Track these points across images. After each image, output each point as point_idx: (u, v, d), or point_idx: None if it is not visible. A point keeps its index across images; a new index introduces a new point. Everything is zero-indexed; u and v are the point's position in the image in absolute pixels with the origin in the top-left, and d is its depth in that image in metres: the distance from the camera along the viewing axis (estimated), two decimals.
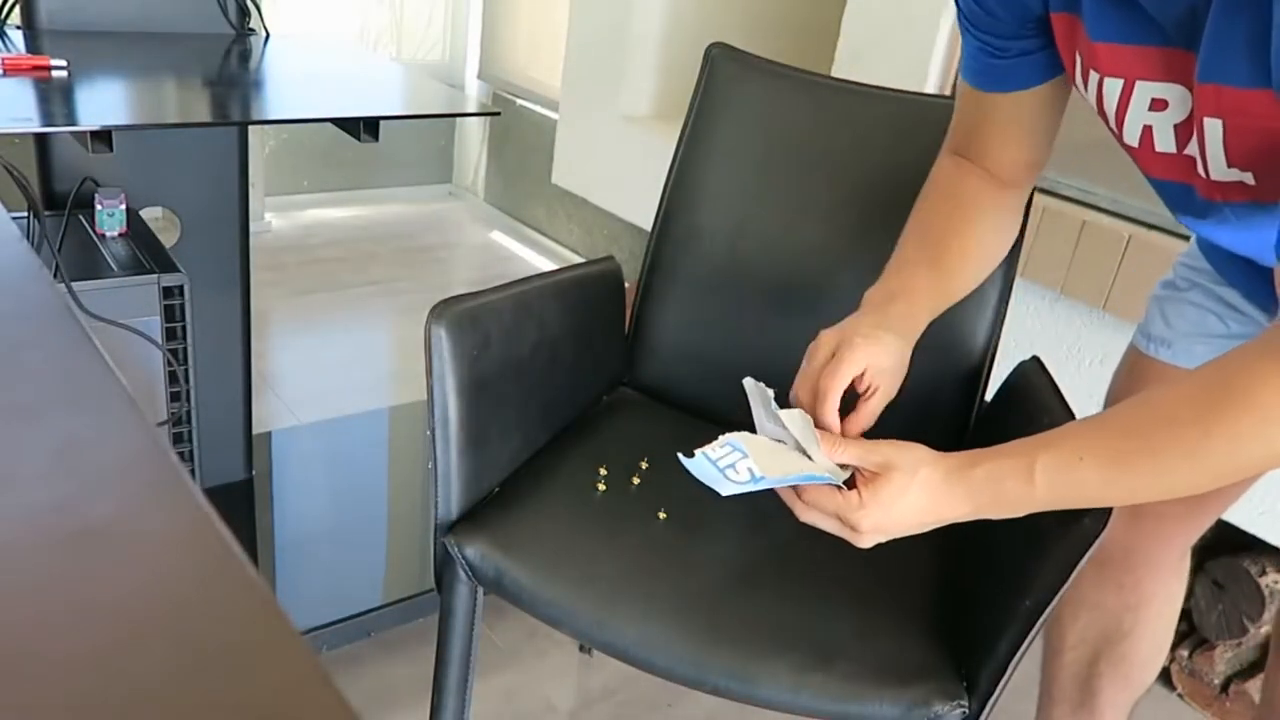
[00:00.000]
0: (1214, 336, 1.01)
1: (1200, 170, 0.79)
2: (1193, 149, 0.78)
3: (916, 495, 0.79)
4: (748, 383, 0.87)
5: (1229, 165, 0.75)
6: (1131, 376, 1.10)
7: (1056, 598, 0.82)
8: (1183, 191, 0.84)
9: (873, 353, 0.88)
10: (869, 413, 0.89)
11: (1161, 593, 1.15)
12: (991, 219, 1.01)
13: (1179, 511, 1.09)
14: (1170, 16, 0.73)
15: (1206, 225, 0.88)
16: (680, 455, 0.79)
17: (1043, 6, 0.84)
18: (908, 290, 0.94)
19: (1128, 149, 0.86)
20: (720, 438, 0.81)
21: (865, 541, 0.81)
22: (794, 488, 0.83)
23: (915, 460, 0.79)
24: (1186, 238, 1.51)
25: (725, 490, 0.78)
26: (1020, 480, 0.76)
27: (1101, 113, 0.84)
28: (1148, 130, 0.81)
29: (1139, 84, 0.79)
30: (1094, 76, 0.81)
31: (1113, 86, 0.80)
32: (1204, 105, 0.74)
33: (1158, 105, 0.79)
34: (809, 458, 0.83)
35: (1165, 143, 0.81)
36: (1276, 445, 0.68)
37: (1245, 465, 0.71)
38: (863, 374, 0.88)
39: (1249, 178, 0.76)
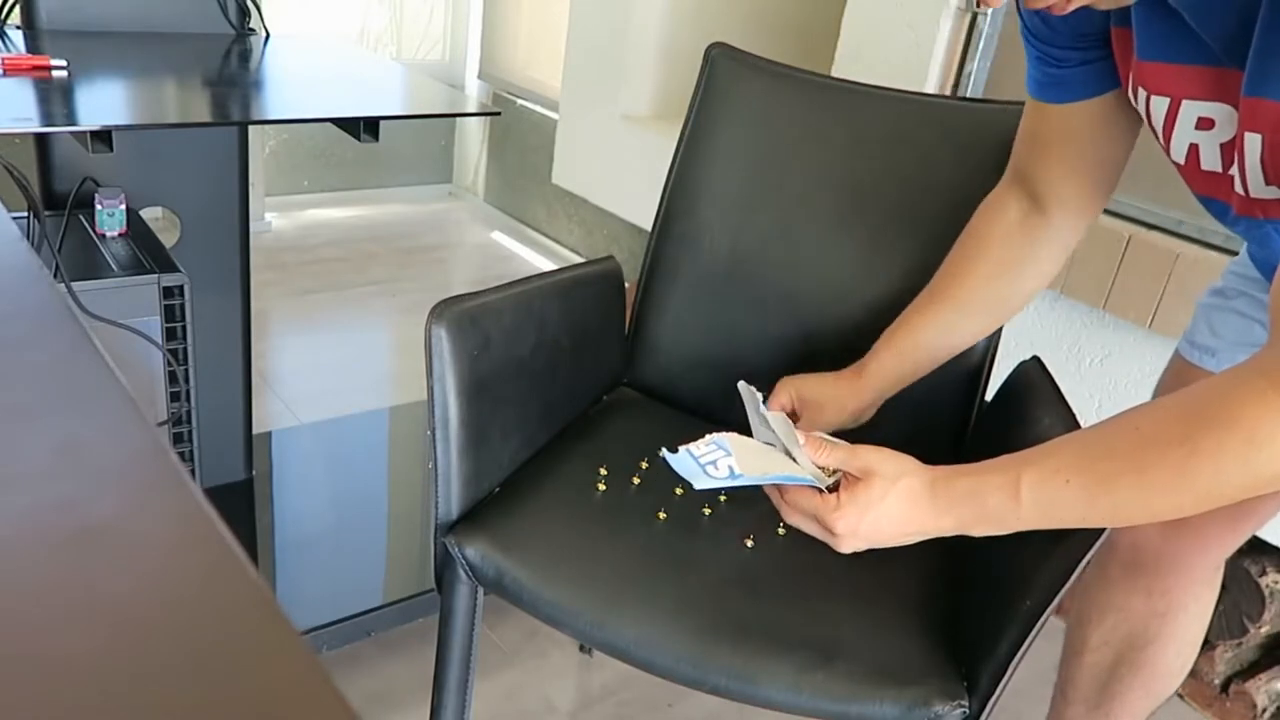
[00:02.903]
0: (1259, 345, 1.00)
1: (1239, 188, 0.78)
2: (1235, 169, 0.78)
3: (896, 503, 0.79)
4: (740, 386, 0.90)
5: (1267, 183, 0.75)
6: (1177, 385, 1.08)
7: (1057, 598, 0.82)
8: (1223, 209, 0.84)
9: (799, 386, 1.05)
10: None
11: (1192, 604, 1.12)
12: (1011, 262, 1.03)
13: (1221, 521, 1.06)
14: (1219, 34, 0.73)
15: (1252, 242, 0.88)
16: (664, 450, 0.79)
17: (1105, 20, 0.84)
18: (870, 367, 1.07)
19: (1175, 165, 0.86)
20: (707, 436, 0.82)
21: (844, 546, 0.82)
22: (779, 489, 0.84)
23: (899, 469, 0.80)
24: (1189, 239, 1.52)
25: (700, 484, 0.79)
26: (1006, 496, 0.76)
27: (1151, 128, 0.85)
28: (1194, 148, 0.81)
29: (1185, 103, 0.79)
30: (1142, 94, 0.82)
31: (1159, 105, 0.81)
32: (1246, 120, 0.74)
33: (1204, 124, 0.79)
34: (795, 461, 0.84)
35: (1211, 161, 0.81)
36: (1259, 469, 0.67)
37: (1230, 487, 0.69)
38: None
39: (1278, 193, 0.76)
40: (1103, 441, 0.75)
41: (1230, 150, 0.79)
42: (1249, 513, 1.07)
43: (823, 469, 0.84)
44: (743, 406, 0.90)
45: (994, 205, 1.04)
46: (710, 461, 0.80)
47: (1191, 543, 1.08)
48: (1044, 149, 0.98)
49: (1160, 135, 0.83)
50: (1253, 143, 0.74)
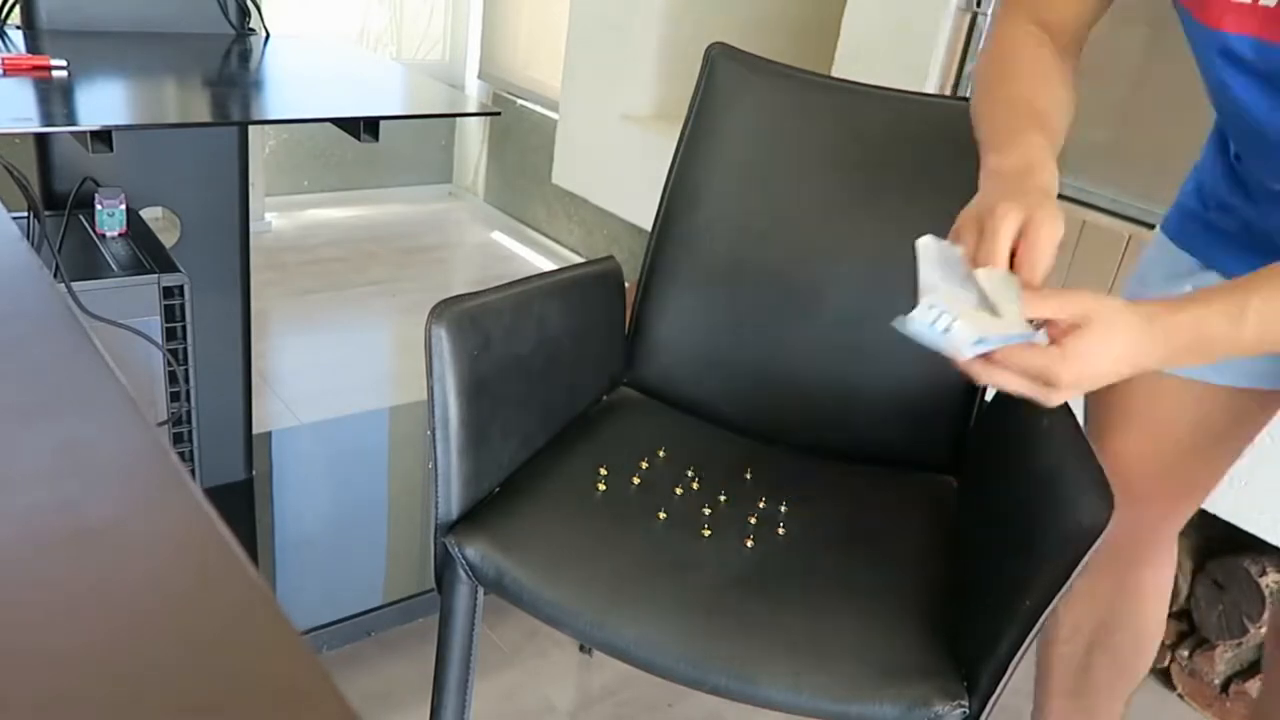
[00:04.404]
0: None
1: None
2: None
3: (1118, 342, 0.77)
4: (926, 240, 0.82)
5: None
6: None
7: (1057, 598, 0.82)
8: (1252, 47, 0.82)
9: (1042, 214, 0.82)
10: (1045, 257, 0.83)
11: (1151, 579, 1.16)
12: (1066, 91, 0.96)
13: (1163, 497, 1.09)
14: None
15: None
16: (895, 322, 0.76)
17: None
18: (1035, 162, 0.88)
19: (1194, 5, 0.84)
20: (922, 300, 0.77)
21: (1061, 397, 0.78)
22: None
23: (1112, 309, 0.77)
24: None
25: (968, 354, 0.76)
26: (1229, 321, 0.75)
27: None
28: None
29: None
30: None
31: None
32: None
33: None
34: (994, 315, 0.78)
35: None
36: None
37: None
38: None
39: None
40: None
41: None
42: (1194, 486, 1.11)
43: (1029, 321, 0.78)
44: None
45: (1029, 42, 0.97)
46: (944, 329, 0.76)
47: (1138, 517, 1.08)
48: None
49: None
50: None
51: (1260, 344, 0.77)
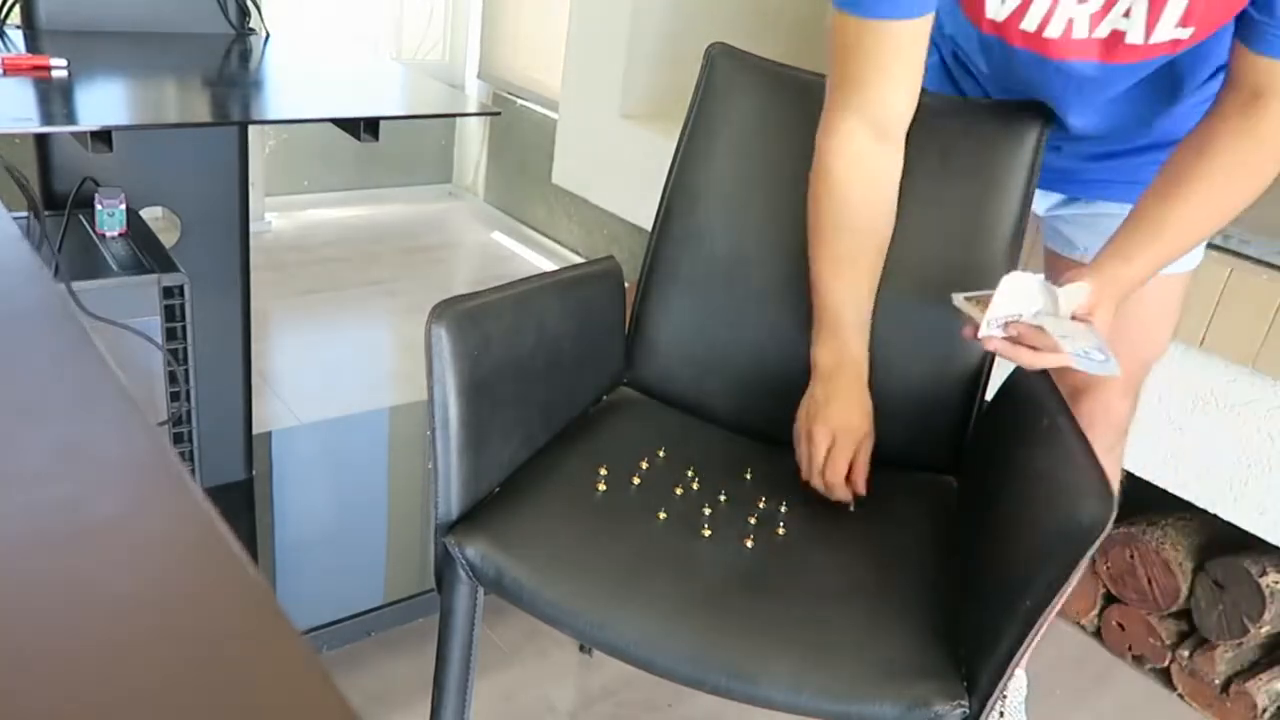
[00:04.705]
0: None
1: (1132, 39, 0.95)
2: (1103, 30, 0.96)
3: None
4: (1018, 276, 0.98)
5: (1179, 25, 0.93)
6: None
7: (1057, 598, 0.82)
8: (1091, 69, 1.01)
9: (860, 436, 1.11)
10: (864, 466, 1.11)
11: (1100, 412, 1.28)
12: (887, 231, 1.14)
13: (1116, 388, 1.25)
14: None
15: (1082, 100, 1.08)
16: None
17: None
18: (848, 356, 1.12)
19: (1031, 41, 1.00)
20: (1061, 340, 0.94)
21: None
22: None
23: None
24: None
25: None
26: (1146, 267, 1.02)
27: (1013, 19, 0.98)
28: (1070, 23, 0.97)
29: None
30: None
31: None
32: None
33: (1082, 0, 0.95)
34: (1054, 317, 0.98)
35: (1081, 30, 0.97)
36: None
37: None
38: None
39: (1185, 33, 0.93)
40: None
41: (1097, 18, 0.95)
42: (1136, 386, 1.29)
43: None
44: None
45: (842, 140, 1.08)
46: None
47: (1094, 406, 1.24)
48: (881, 74, 1.03)
49: (1038, 21, 0.97)
50: None
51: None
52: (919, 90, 1.06)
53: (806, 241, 1.14)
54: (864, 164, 1.09)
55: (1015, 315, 0.97)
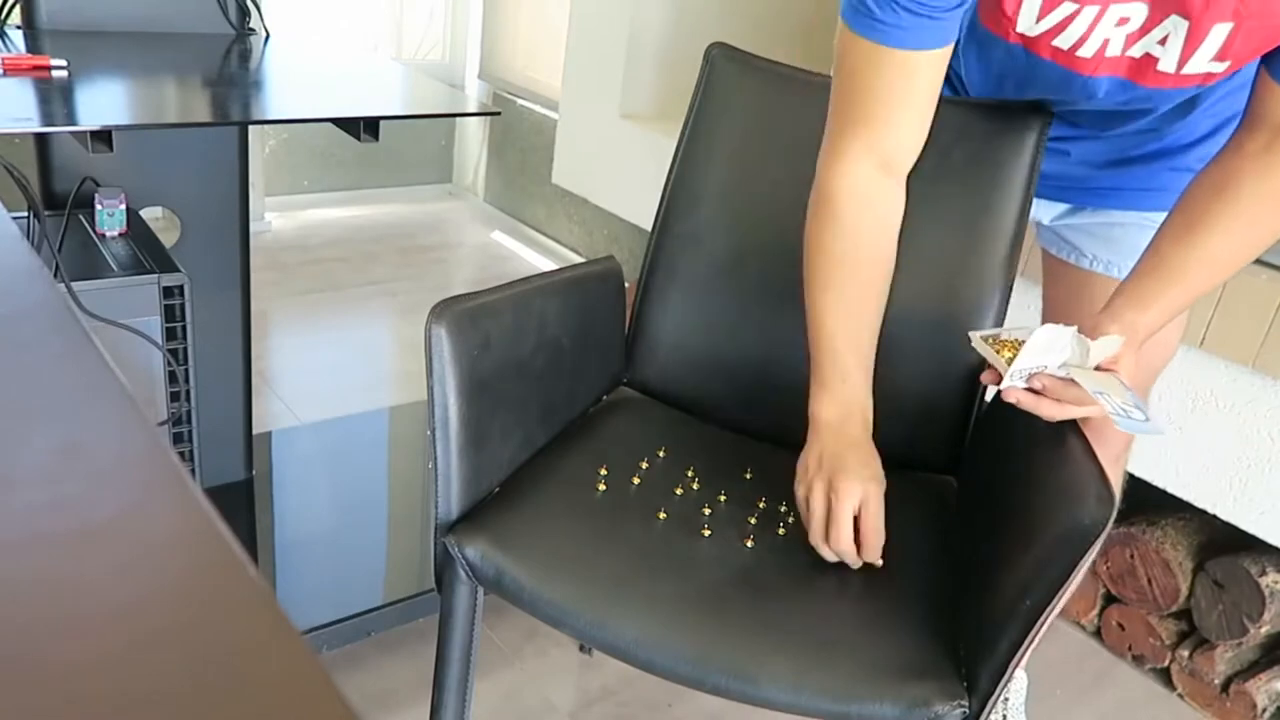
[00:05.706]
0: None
1: (1164, 66, 0.94)
2: (1138, 50, 0.94)
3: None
4: (1051, 329, 0.92)
5: (1214, 59, 0.91)
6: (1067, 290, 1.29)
7: (1057, 598, 0.82)
8: (1117, 85, 0.99)
9: (869, 490, 0.98)
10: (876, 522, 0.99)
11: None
12: (887, 281, 1.07)
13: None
14: None
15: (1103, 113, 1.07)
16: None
17: None
18: (856, 406, 1.03)
19: (1060, 55, 0.97)
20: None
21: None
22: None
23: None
24: None
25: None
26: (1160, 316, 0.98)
27: (1047, 36, 0.95)
28: (1105, 42, 0.94)
29: (1112, 6, 0.90)
30: (1067, 7, 0.91)
31: (1089, 11, 0.91)
32: (1219, 13, 0.86)
33: (1121, 22, 0.91)
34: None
35: (1115, 49, 0.95)
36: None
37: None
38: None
39: (1220, 67, 0.91)
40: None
41: (1133, 39, 0.93)
42: (1144, 393, 1.25)
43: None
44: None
45: (848, 165, 1.02)
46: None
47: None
48: (897, 108, 0.98)
49: (1074, 40, 0.94)
50: (1219, 31, 0.88)
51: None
52: (929, 124, 1.00)
53: (801, 281, 1.08)
54: (870, 196, 1.03)
55: (1040, 366, 0.92)
